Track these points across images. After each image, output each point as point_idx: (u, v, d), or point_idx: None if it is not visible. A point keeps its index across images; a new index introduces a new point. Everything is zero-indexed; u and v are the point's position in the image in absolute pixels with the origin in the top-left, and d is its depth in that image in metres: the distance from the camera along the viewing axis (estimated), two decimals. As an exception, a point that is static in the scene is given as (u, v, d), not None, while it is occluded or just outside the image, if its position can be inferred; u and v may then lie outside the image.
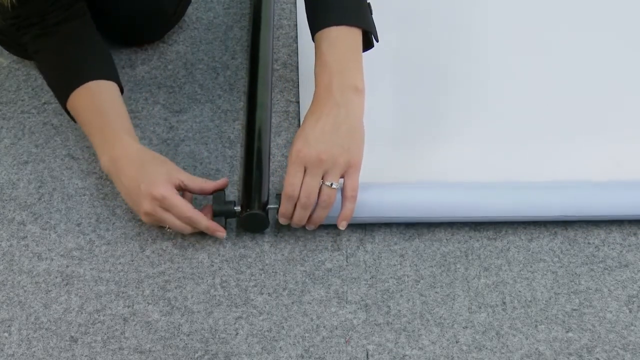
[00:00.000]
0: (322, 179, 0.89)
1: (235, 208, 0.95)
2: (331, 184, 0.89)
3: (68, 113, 1.01)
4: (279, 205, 0.93)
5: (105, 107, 0.97)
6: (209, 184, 0.95)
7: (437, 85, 1.16)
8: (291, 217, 0.92)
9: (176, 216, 0.92)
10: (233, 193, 1.02)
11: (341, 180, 0.91)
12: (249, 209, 0.94)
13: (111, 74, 1.01)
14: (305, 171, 0.89)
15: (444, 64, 1.19)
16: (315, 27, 0.94)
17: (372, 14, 0.96)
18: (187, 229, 0.93)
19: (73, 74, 0.99)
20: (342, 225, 0.93)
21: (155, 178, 0.91)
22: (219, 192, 0.95)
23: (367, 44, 0.96)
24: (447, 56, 1.20)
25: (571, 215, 0.97)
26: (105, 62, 1.02)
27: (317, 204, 0.90)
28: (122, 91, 1.02)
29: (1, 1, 0.84)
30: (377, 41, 0.96)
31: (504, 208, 0.96)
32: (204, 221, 0.93)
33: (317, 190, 0.90)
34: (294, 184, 0.89)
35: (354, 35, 0.92)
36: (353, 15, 0.93)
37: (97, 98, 0.98)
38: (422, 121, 1.11)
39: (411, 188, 0.98)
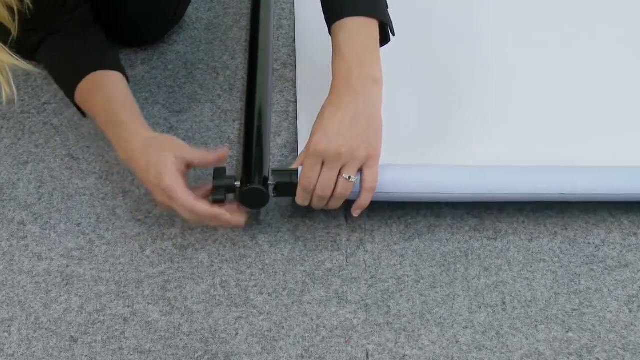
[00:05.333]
0: (340, 171, 0.89)
1: (235, 183, 0.94)
2: (349, 177, 0.89)
3: (79, 109, 1.01)
4: (275, 183, 0.93)
5: (111, 96, 0.97)
6: (211, 156, 0.93)
7: (450, 80, 1.16)
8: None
9: (181, 208, 0.91)
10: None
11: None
12: (249, 184, 0.93)
13: (116, 64, 1.01)
14: (322, 164, 0.89)
15: (459, 59, 1.19)
16: (332, 18, 0.93)
17: (387, 8, 0.95)
18: (195, 217, 0.92)
19: (78, 66, 0.99)
20: (356, 213, 0.94)
21: (160, 168, 0.90)
22: (219, 168, 0.94)
23: (384, 38, 0.95)
24: (461, 51, 1.20)
25: (574, 193, 0.97)
26: (109, 53, 1.02)
27: (332, 194, 0.91)
28: (128, 81, 1.01)
29: (18, 8, 0.83)
30: (394, 35, 0.95)
31: (504, 184, 0.96)
32: (207, 210, 0.91)
33: (334, 183, 0.89)
34: (311, 177, 0.89)
35: (371, 26, 0.91)
36: (370, 6, 0.92)
37: (104, 88, 0.97)
38: (436, 115, 1.11)
39: (417, 165, 0.97)
